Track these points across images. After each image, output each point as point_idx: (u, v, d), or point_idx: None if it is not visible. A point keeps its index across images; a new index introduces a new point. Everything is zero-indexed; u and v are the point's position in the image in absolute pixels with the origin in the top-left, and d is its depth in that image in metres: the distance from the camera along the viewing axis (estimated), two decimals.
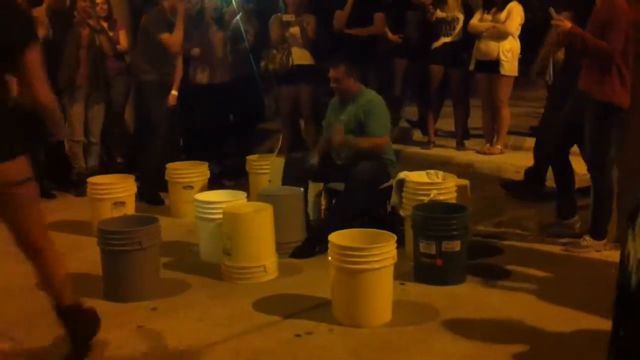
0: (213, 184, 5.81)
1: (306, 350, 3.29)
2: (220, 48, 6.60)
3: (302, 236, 4.63)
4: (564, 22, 4.39)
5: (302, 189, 4.77)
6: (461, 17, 6.75)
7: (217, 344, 3.35)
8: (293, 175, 4.87)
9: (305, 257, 4.47)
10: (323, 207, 5.09)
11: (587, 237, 4.52)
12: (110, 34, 6.45)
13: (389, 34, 7.07)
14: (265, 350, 3.28)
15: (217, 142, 6.80)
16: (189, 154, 6.51)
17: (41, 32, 6.01)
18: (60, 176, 6.41)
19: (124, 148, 7.08)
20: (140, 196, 5.50)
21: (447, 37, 6.83)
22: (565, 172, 4.79)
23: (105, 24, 6.44)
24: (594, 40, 4.31)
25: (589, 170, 4.59)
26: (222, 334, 3.45)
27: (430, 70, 6.99)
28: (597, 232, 4.51)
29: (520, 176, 6.00)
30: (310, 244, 4.53)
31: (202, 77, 6.57)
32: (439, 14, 6.79)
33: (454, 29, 6.79)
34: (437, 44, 6.89)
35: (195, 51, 6.48)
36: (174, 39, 5.88)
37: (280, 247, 4.42)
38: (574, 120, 4.55)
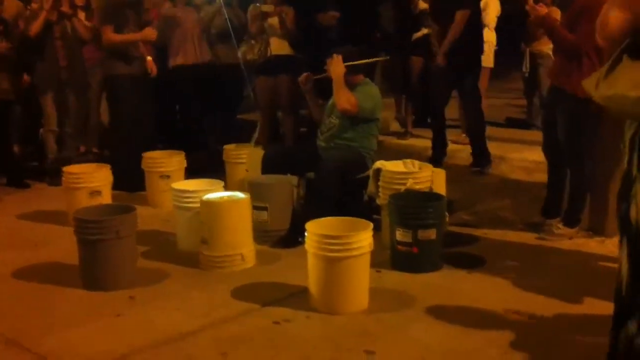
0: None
1: (284, 338, 3.31)
2: (194, 29, 6.58)
3: None
4: (538, 9, 4.42)
5: (292, 176, 4.85)
6: None
7: (195, 333, 3.36)
8: (272, 166, 4.91)
9: (289, 246, 4.49)
10: (300, 197, 5.11)
11: (560, 225, 4.58)
12: (88, 24, 6.40)
13: None
14: (243, 338, 3.29)
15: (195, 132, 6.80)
16: (167, 144, 6.48)
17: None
18: (34, 165, 6.37)
19: (99, 138, 7.04)
20: (118, 184, 5.45)
21: (428, 28, 6.85)
22: (557, 170, 4.68)
23: (82, 14, 6.40)
24: (562, 32, 4.37)
25: (566, 160, 4.60)
26: (200, 322, 3.46)
27: (410, 61, 7.02)
28: (571, 220, 4.57)
29: (498, 168, 6.07)
30: (293, 234, 4.55)
31: (175, 59, 6.62)
32: (422, 5, 6.81)
33: None
34: (417, 35, 6.91)
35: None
36: (112, 38, 5.79)
37: (271, 235, 4.55)
38: (553, 114, 4.55)
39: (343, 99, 4.76)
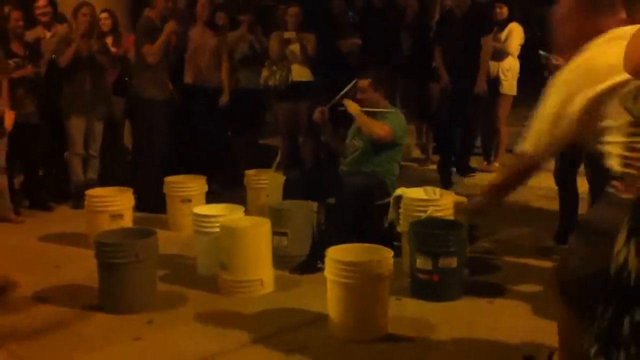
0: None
1: None
2: (209, 51, 6.54)
3: None
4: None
5: (313, 202, 4.82)
6: None
7: (212, 358, 3.35)
8: (294, 191, 4.91)
9: (307, 272, 4.46)
10: (320, 223, 5.09)
11: None
12: (114, 50, 6.48)
13: None
14: None
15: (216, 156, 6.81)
16: (188, 169, 6.52)
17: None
18: (58, 188, 6.43)
19: (122, 162, 7.09)
20: (139, 206, 5.48)
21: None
22: (567, 195, 4.70)
23: (109, 39, 6.48)
24: None
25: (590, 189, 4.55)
26: (217, 347, 3.45)
27: (429, 87, 7.03)
28: None
29: (520, 195, 6.02)
30: (313, 260, 4.53)
31: (187, 77, 6.50)
32: None
33: None
34: None
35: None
36: (152, 49, 5.89)
37: (291, 261, 4.52)
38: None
39: (376, 129, 4.79)
